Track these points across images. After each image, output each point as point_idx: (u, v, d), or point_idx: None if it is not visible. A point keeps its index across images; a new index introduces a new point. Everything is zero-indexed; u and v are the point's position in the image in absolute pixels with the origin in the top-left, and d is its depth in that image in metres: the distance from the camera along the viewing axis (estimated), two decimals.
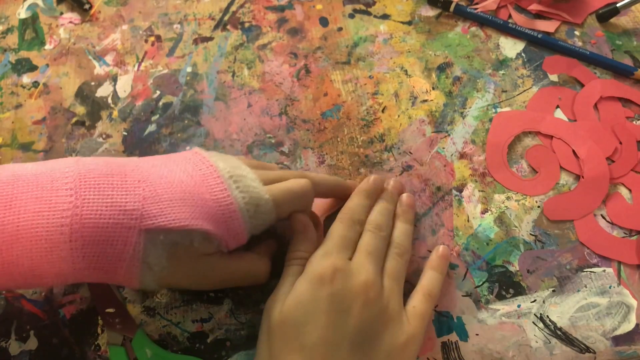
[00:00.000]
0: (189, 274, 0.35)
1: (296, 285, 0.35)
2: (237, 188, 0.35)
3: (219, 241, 0.35)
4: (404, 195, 0.43)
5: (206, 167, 0.36)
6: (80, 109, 0.49)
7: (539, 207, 0.44)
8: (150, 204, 0.33)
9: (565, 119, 0.48)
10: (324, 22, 0.54)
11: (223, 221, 0.35)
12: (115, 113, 0.49)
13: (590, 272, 0.41)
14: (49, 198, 0.31)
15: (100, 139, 0.48)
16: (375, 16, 0.55)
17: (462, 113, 0.49)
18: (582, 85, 0.50)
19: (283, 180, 0.38)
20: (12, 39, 0.54)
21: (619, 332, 0.39)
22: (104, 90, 0.50)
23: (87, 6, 0.55)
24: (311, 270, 0.35)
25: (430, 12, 0.55)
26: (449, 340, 0.39)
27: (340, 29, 0.54)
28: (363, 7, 0.55)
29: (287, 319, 0.34)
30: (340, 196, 0.42)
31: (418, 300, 0.38)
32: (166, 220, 0.33)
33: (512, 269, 0.41)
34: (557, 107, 0.49)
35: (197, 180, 0.35)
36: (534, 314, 0.40)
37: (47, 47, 0.53)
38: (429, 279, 0.39)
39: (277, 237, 0.42)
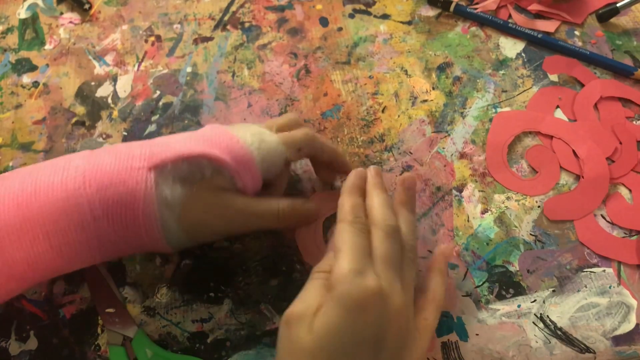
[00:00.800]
0: (208, 207, 0.36)
1: (327, 309, 0.31)
2: (243, 129, 0.38)
3: (231, 174, 0.36)
4: (406, 177, 0.39)
5: (216, 127, 0.39)
6: (80, 109, 0.49)
7: (539, 207, 0.44)
8: (156, 145, 0.36)
9: (565, 119, 0.48)
10: (324, 22, 0.54)
11: (231, 152, 0.36)
12: (115, 113, 0.49)
13: (590, 272, 0.41)
14: (63, 166, 0.35)
15: (100, 139, 0.48)
16: (375, 16, 0.55)
17: (462, 113, 0.49)
18: (582, 85, 0.50)
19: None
20: (12, 39, 0.54)
21: (619, 332, 0.39)
22: (104, 90, 0.50)
23: (87, 6, 0.55)
24: (344, 292, 0.31)
25: (430, 12, 0.55)
26: (449, 340, 0.39)
27: (340, 29, 0.54)
28: (363, 7, 0.55)
29: (323, 347, 0.30)
30: (336, 165, 0.42)
31: (430, 314, 0.35)
32: (171, 153, 0.35)
33: (512, 269, 0.42)
34: (557, 107, 0.49)
35: (205, 132, 0.38)
36: (534, 314, 0.40)
37: (47, 47, 0.53)
38: (438, 287, 0.37)
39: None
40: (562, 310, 0.40)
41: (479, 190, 0.45)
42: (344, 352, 0.30)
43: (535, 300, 0.40)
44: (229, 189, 0.37)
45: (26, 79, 0.51)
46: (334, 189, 0.45)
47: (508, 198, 0.44)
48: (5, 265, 0.33)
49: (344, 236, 0.34)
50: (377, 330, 0.31)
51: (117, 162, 0.35)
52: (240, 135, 0.37)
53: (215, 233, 0.38)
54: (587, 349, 0.38)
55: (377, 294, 0.31)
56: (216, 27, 0.54)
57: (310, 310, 0.31)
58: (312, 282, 0.34)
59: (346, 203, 0.36)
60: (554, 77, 0.51)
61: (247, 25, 0.54)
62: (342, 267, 0.32)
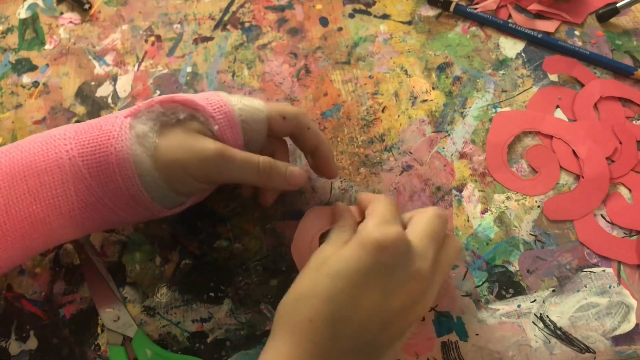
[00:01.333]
0: (182, 144, 0.35)
1: (346, 248, 0.33)
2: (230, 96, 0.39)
3: (205, 116, 0.36)
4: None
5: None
6: (80, 109, 0.49)
7: (538, 207, 0.44)
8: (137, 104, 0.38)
9: (565, 118, 0.48)
10: (324, 22, 0.54)
11: (207, 99, 0.37)
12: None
13: (590, 272, 0.41)
14: (50, 133, 0.36)
15: None
16: (375, 16, 0.55)
17: (462, 113, 0.49)
18: (582, 85, 0.50)
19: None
20: (12, 39, 0.54)
21: (618, 332, 0.39)
22: (104, 90, 0.50)
23: (87, 6, 0.55)
24: (366, 235, 0.33)
25: (430, 12, 0.55)
26: (448, 340, 0.39)
27: (340, 29, 0.54)
28: (363, 7, 0.55)
29: (326, 266, 0.32)
30: (320, 154, 0.41)
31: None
32: (146, 102, 0.36)
33: (512, 268, 0.42)
34: (557, 107, 0.49)
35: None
36: (534, 314, 0.40)
37: (47, 47, 0.53)
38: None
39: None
40: (562, 310, 0.40)
41: (478, 190, 0.45)
42: (346, 278, 0.31)
43: (535, 300, 0.40)
44: (206, 135, 0.36)
45: (26, 78, 0.51)
46: (330, 205, 0.44)
47: (508, 198, 0.44)
48: None
49: (376, 204, 0.36)
50: (389, 273, 0.32)
51: (100, 119, 0.37)
52: (223, 94, 0.38)
53: (193, 177, 0.36)
54: (587, 349, 0.38)
55: (398, 239, 0.32)
56: (216, 27, 0.54)
57: (331, 252, 0.34)
58: (332, 233, 0.36)
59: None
60: (554, 77, 0.51)
61: (247, 25, 0.54)
62: (371, 220, 0.34)
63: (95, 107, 0.49)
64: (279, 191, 0.42)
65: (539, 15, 0.55)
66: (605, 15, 0.53)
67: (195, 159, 0.35)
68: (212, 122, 0.36)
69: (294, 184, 0.38)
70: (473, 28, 0.54)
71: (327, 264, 0.33)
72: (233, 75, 0.51)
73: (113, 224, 0.39)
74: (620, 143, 0.47)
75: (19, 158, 0.34)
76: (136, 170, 0.34)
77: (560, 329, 0.39)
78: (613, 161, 0.46)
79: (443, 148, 0.47)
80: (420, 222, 0.35)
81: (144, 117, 0.36)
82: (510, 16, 0.55)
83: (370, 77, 0.51)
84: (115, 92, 0.50)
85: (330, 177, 0.42)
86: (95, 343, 0.39)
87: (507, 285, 0.41)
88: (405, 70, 0.51)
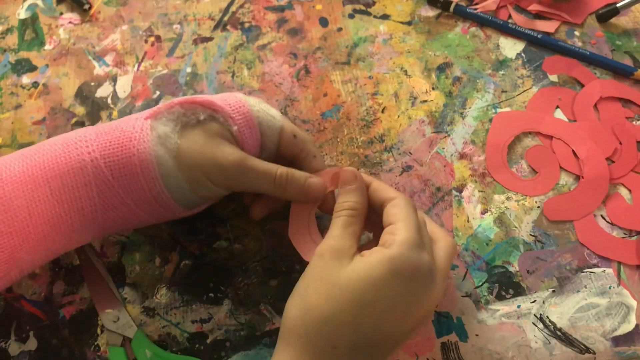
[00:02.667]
0: (205, 152, 0.35)
1: (377, 262, 0.31)
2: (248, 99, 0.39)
3: (225, 117, 0.37)
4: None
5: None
6: (80, 110, 0.49)
7: (538, 207, 0.44)
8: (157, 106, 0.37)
9: (565, 119, 0.48)
10: (323, 22, 0.54)
11: (226, 101, 0.38)
12: (115, 113, 0.49)
13: (590, 272, 0.41)
14: (69, 136, 0.36)
15: None
16: (375, 16, 0.55)
17: (461, 113, 0.49)
18: (582, 86, 0.50)
19: None
20: (12, 40, 0.54)
21: (618, 332, 0.39)
22: (104, 91, 0.50)
23: (86, 6, 0.55)
24: (402, 256, 0.31)
25: (430, 12, 0.55)
26: (448, 340, 0.39)
27: (340, 29, 0.54)
28: (363, 8, 0.55)
29: (356, 291, 0.31)
30: (303, 155, 0.40)
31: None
32: (166, 104, 0.37)
33: (512, 269, 0.41)
34: (557, 107, 0.49)
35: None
36: (534, 315, 0.40)
37: (47, 47, 0.53)
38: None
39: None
40: (562, 310, 0.40)
41: (478, 191, 0.45)
42: (374, 307, 0.31)
43: (535, 301, 0.40)
44: (225, 137, 0.37)
45: (26, 79, 0.51)
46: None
47: (508, 198, 0.44)
48: (7, 215, 0.33)
49: (403, 209, 0.34)
50: (412, 302, 0.31)
51: (119, 120, 0.37)
52: (241, 95, 0.39)
53: (213, 182, 0.36)
54: (587, 350, 0.38)
55: (429, 272, 0.32)
56: (216, 27, 0.54)
57: (348, 251, 0.32)
58: (336, 220, 0.35)
59: (388, 185, 0.37)
60: (553, 78, 0.51)
61: (247, 25, 0.54)
62: (403, 233, 0.32)
63: (95, 108, 0.49)
64: (270, 207, 0.41)
65: (538, 16, 0.55)
66: (605, 16, 0.53)
67: (215, 167, 0.35)
68: (232, 123, 0.37)
69: (311, 197, 0.38)
70: (473, 28, 0.54)
71: (349, 281, 0.31)
72: (233, 76, 0.51)
73: (132, 225, 0.39)
74: (620, 143, 0.47)
75: (41, 161, 0.34)
76: (159, 171, 0.35)
77: (560, 329, 0.39)
78: (613, 162, 0.46)
79: (443, 148, 0.47)
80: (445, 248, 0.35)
81: (164, 118, 0.36)
82: (510, 16, 0.55)
83: (370, 77, 0.51)
84: (115, 92, 0.50)
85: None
86: (95, 344, 0.39)
87: (507, 285, 0.41)
88: (405, 71, 0.51)
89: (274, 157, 0.39)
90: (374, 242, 0.35)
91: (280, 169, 0.37)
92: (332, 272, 0.32)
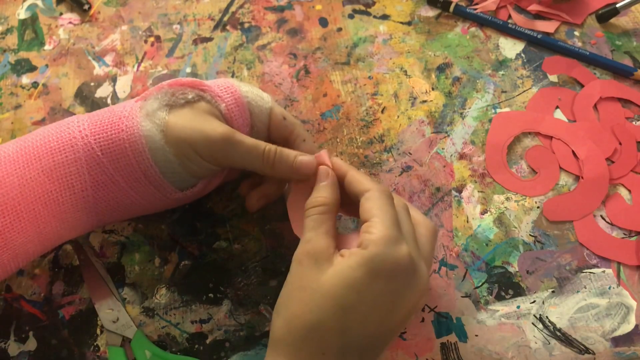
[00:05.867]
0: (193, 126, 0.36)
1: (354, 264, 0.31)
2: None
3: (213, 97, 0.37)
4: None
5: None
6: (80, 110, 0.49)
7: (538, 207, 0.44)
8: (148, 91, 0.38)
9: (564, 119, 0.48)
10: (323, 22, 0.54)
11: (215, 82, 0.39)
12: None
13: (590, 273, 0.41)
14: (62, 120, 0.38)
15: None
16: (374, 17, 0.55)
17: (461, 113, 0.49)
18: (582, 86, 0.50)
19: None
20: (12, 40, 0.54)
21: (618, 333, 0.39)
22: (104, 91, 0.50)
23: (86, 7, 0.55)
24: (377, 256, 0.31)
25: (429, 12, 0.55)
26: (448, 341, 0.39)
27: (339, 29, 0.54)
28: (363, 8, 0.55)
29: (337, 295, 0.30)
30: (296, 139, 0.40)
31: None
32: (155, 86, 0.38)
33: (511, 269, 0.41)
34: (557, 107, 0.49)
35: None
36: (534, 315, 0.40)
37: (47, 47, 0.53)
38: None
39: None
40: (562, 311, 0.40)
41: (478, 191, 0.45)
42: (357, 310, 0.30)
43: (534, 301, 0.40)
44: (214, 115, 0.37)
45: (25, 79, 0.51)
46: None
47: (507, 199, 0.44)
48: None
49: (377, 202, 0.33)
50: (396, 299, 0.31)
51: (111, 106, 0.39)
52: (232, 79, 0.40)
53: (201, 156, 0.36)
54: (587, 350, 0.38)
55: (410, 264, 0.31)
56: (216, 27, 0.54)
57: (324, 253, 0.32)
58: (308, 220, 0.34)
59: (363, 175, 0.36)
60: (553, 78, 0.51)
61: (246, 25, 0.54)
62: (378, 230, 0.31)
63: (95, 108, 0.49)
64: (268, 199, 0.41)
65: (538, 16, 0.55)
66: (605, 16, 0.53)
67: (203, 139, 0.35)
68: (219, 101, 0.38)
69: (301, 174, 0.37)
70: (473, 29, 0.54)
71: (331, 286, 0.30)
72: (232, 76, 0.51)
73: (126, 210, 0.38)
74: (620, 144, 0.47)
75: (33, 140, 0.35)
76: (147, 145, 0.35)
77: (559, 330, 0.39)
78: (613, 162, 0.46)
79: (442, 149, 0.47)
80: (406, 223, 0.34)
81: (153, 98, 0.37)
82: (510, 17, 0.55)
83: (369, 77, 0.51)
84: (114, 92, 0.50)
85: None
86: (95, 344, 0.39)
87: (507, 286, 0.41)
88: (405, 71, 0.51)
89: (264, 140, 0.38)
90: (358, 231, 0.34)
91: (269, 145, 0.36)
92: (312, 278, 0.31)
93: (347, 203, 0.36)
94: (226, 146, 0.36)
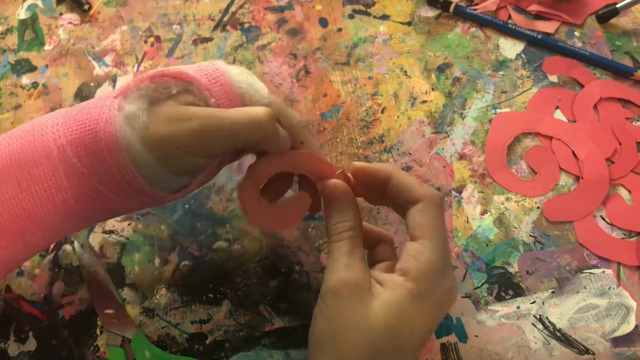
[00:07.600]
0: (172, 118, 0.32)
1: (403, 299, 0.30)
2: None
3: (201, 90, 0.33)
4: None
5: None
6: None
7: (538, 208, 0.44)
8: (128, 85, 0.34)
9: (564, 119, 0.48)
10: (323, 22, 0.54)
11: (203, 71, 0.34)
12: None
13: (590, 273, 0.41)
14: (40, 121, 0.34)
15: None
16: (374, 17, 0.55)
17: (461, 114, 0.49)
18: (582, 86, 0.50)
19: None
20: (12, 40, 0.54)
21: (618, 333, 0.39)
22: (104, 91, 0.50)
23: (86, 7, 0.55)
24: (429, 292, 0.30)
25: (429, 12, 0.55)
26: (448, 341, 0.39)
27: (339, 29, 0.54)
28: (362, 8, 0.55)
29: (390, 326, 0.30)
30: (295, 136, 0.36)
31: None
32: (136, 79, 0.33)
33: (511, 270, 0.41)
34: (557, 108, 0.49)
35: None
36: (534, 315, 0.40)
37: (47, 47, 0.53)
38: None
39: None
40: (562, 311, 0.40)
41: (478, 191, 0.45)
42: (409, 344, 0.30)
43: (534, 302, 0.40)
44: (198, 105, 0.33)
45: (25, 79, 0.51)
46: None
47: (507, 199, 0.44)
48: None
49: (429, 220, 0.31)
50: (438, 319, 0.32)
51: (90, 100, 0.34)
52: (221, 63, 0.35)
53: (184, 151, 0.32)
54: (587, 350, 0.38)
55: (453, 293, 0.32)
56: (216, 27, 0.54)
57: (365, 283, 0.30)
58: (336, 245, 0.32)
59: (410, 178, 0.33)
60: (553, 78, 0.51)
61: (246, 25, 0.54)
62: (428, 259, 0.30)
63: None
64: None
65: (538, 16, 0.55)
66: (605, 16, 0.53)
67: (181, 131, 0.31)
68: (208, 96, 0.33)
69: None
70: (473, 29, 0.54)
71: (384, 325, 0.30)
72: None
73: (120, 212, 0.37)
74: (620, 144, 0.47)
75: (7, 151, 0.32)
76: (127, 155, 0.32)
77: (559, 330, 0.39)
78: (613, 162, 0.46)
79: (442, 149, 0.47)
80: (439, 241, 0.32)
81: (133, 95, 0.33)
82: (510, 17, 0.55)
83: (369, 78, 0.51)
84: None
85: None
86: (94, 344, 0.39)
87: (507, 286, 0.41)
88: (405, 71, 0.51)
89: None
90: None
91: (259, 108, 0.33)
92: (359, 313, 0.30)
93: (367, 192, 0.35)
94: (214, 129, 0.32)
